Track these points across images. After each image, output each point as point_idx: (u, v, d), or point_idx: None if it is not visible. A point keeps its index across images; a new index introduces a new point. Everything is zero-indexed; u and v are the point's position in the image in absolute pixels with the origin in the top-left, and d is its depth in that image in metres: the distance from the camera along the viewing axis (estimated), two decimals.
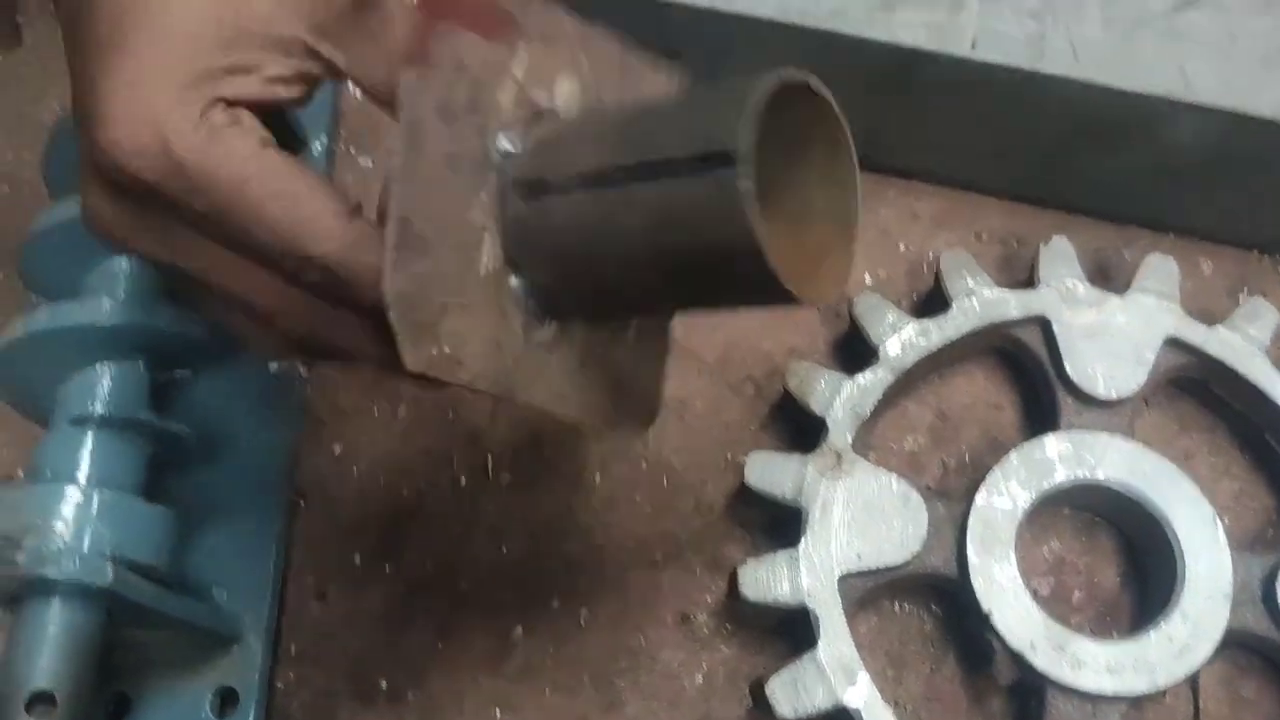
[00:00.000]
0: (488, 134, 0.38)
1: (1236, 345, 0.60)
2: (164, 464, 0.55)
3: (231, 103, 0.36)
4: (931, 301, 0.64)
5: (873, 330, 0.61)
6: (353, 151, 0.71)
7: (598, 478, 0.63)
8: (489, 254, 0.38)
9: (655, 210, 0.34)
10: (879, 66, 0.61)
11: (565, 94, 0.41)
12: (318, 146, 0.68)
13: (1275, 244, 0.67)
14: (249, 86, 0.36)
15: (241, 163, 0.35)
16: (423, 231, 0.35)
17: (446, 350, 0.36)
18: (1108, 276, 0.66)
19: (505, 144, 0.38)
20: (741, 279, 0.34)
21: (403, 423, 0.64)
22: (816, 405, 0.59)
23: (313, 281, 0.36)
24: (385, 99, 0.39)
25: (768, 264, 0.32)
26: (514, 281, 0.38)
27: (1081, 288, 0.61)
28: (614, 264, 0.37)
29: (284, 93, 0.37)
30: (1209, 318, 0.62)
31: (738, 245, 0.33)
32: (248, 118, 0.36)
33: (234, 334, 0.40)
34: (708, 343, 0.65)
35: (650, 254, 0.35)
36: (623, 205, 0.35)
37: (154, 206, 0.36)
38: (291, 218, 0.35)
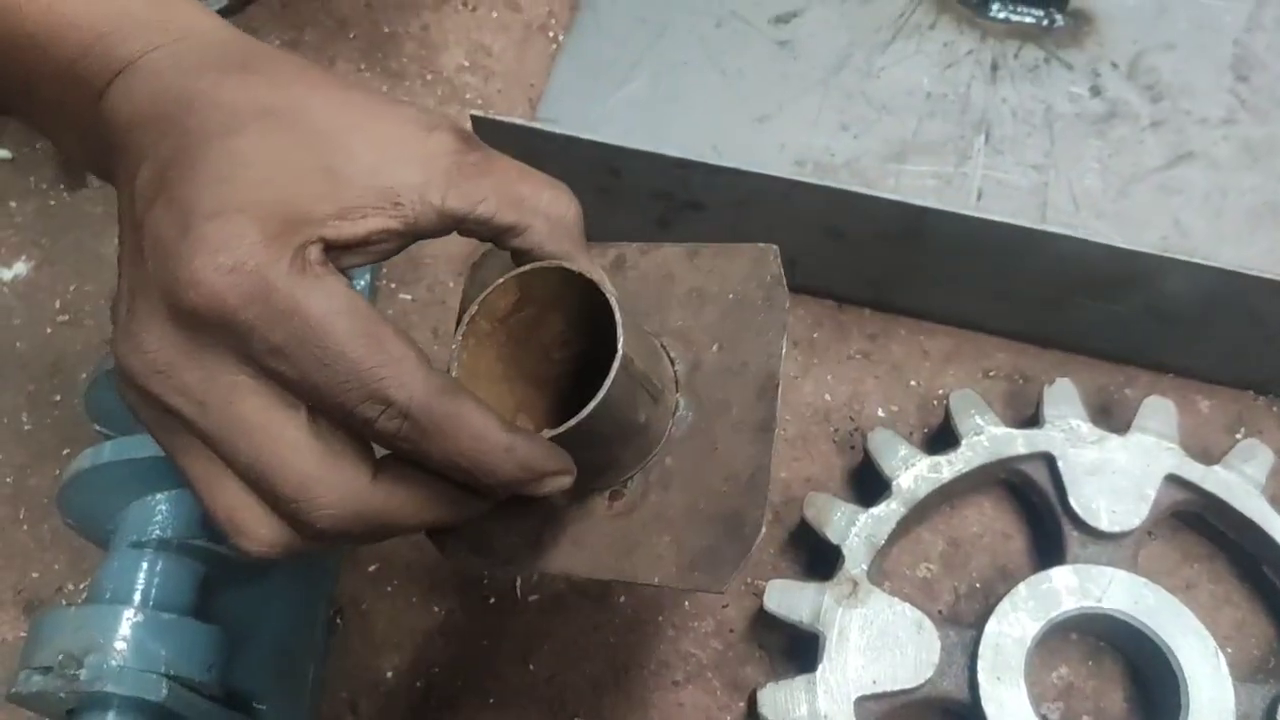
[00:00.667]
0: None
1: (1233, 484, 0.63)
2: (214, 583, 0.58)
3: (331, 244, 0.36)
4: (941, 435, 0.68)
5: (886, 464, 0.64)
6: (393, 286, 0.75)
7: (622, 599, 0.66)
8: None
9: None
10: (890, 220, 0.65)
11: None
12: (361, 283, 0.72)
13: (1270, 385, 0.70)
14: (354, 230, 0.36)
15: (330, 298, 0.34)
16: None
17: None
18: (1110, 414, 0.70)
19: None
20: None
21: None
22: (833, 535, 0.62)
23: (385, 431, 0.35)
24: (495, 235, 0.40)
25: None
26: None
27: (1085, 427, 0.64)
28: None
29: (385, 243, 0.37)
30: (1208, 455, 0.65)
31: None
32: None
33: (228, 522, 0.37)
34: None
35: None
36: None
37: (214, 342, 0.34)
38: (378, 359, 0.34)
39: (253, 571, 0.58)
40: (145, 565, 0.54)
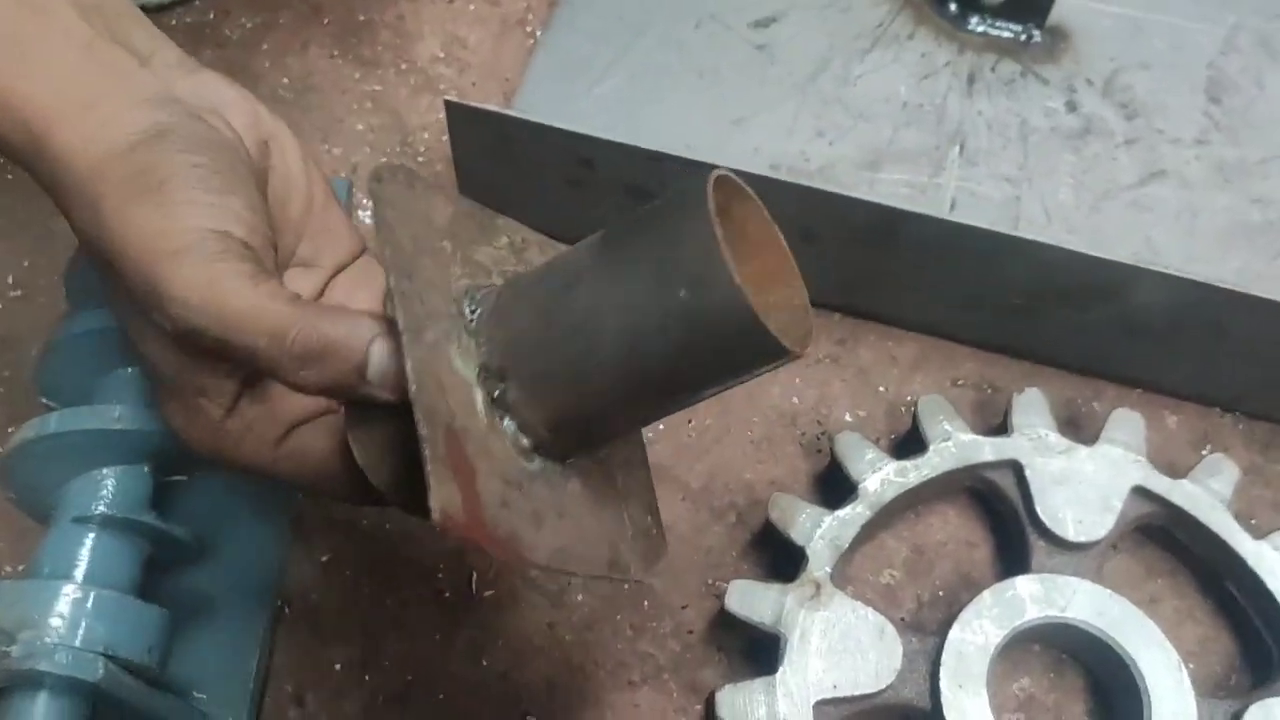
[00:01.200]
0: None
1: (1199, 497, 0.63)
2: (158, 565, 0.56)
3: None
4: (908, 442, 0.67)
5: (853, 467, 0.63)
6: None
7: (580, 597, 0.64)
8: (481, 401, 0.39)
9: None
10: (864, 222, 0.65)
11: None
12: None
13: (1236, 402, 0.70)
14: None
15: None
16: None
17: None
18: (1077, 426, 0.69)
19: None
20: (729, 346, 0.36)
21: (390, 535, 0.66)
22: (798, 536, 0.61)
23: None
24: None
25: (755, 319, 0.35)
26: (507, 424, 0.39)
27: (1053, 436, 0.64)
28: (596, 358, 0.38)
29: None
30: (1174, 470, 0.65)
31: (724, 306, 0.35)
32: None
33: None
34: (692, 471, 0.67)
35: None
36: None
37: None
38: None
39: (198, 553, 0.57)
40: (87, 541, 0.52)
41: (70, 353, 0.56)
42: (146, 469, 0.55)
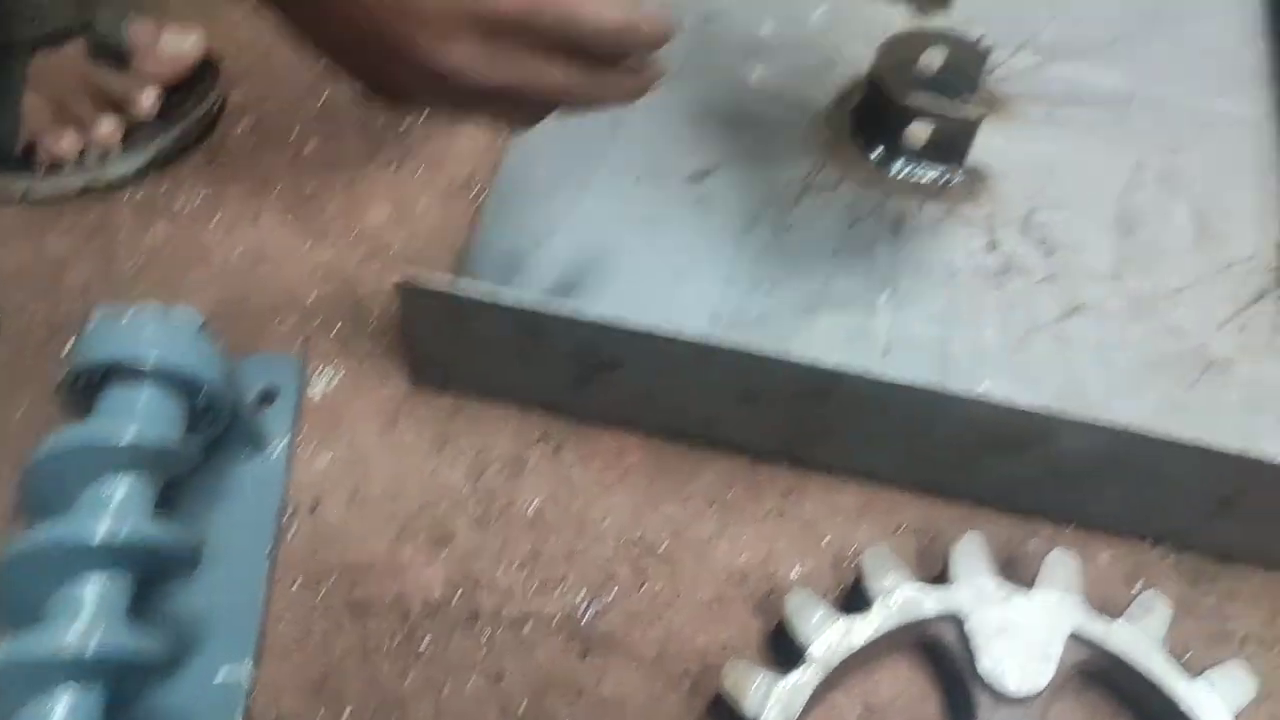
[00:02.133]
0: None
1: (1134, 640, 0.65)
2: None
3: None
4: (856, 594, 0.69)
5: (800, 630, 0.65)
6: (313, 450, 0.75)
7: None
8: None
9: None
10: (800, 381, 0.68)
11: None
12: (278, 448, 0.73)
13: (1164, 535, 0.73)
14: None
15: None
16: None
17: None
18: (1016, 567, 0.72)
19: None
20: None
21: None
22: (749, 709, 0.63)
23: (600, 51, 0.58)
24: None
25: None
26: None
27: (991, 585, 0.66)
28: None
29: None
30: (1108, 606, 0.67)
31: None
32: None
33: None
34: (645, 639, 0.69)
35: None
36: None
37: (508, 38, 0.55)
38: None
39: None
40: None
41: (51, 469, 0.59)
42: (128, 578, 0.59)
